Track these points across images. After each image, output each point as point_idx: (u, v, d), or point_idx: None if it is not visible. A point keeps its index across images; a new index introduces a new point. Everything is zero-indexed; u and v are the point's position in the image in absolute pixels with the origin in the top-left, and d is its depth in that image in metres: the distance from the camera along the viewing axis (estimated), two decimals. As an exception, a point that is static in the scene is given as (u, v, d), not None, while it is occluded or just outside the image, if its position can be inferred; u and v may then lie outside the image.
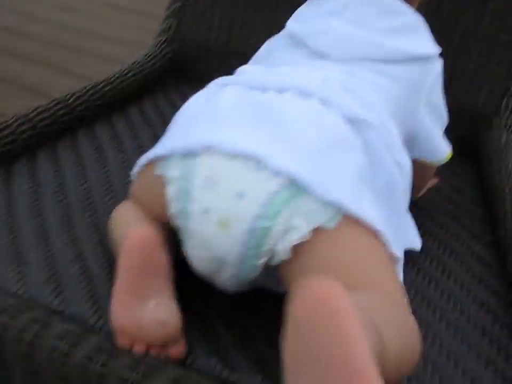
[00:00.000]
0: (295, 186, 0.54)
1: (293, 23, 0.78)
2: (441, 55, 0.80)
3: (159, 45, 1.22)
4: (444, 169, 0.99)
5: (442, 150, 0.81)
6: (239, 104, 0.62)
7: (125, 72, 1.13)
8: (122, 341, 0.54)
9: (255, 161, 0.55)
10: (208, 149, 0.56)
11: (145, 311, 0.54)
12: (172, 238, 0.61)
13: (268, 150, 0.55)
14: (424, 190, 0.90)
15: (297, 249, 0.54)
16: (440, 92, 0.80)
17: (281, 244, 0.54)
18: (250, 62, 0.81)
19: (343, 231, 0.55)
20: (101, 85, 1.05)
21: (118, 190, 0.83)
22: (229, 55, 1.17)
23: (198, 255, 0.58)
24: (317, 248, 0.54)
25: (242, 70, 0.74)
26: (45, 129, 0.94)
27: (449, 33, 1.05)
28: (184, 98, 1.11)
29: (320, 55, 0.71)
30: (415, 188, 0.81)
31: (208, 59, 1.21)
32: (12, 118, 0.89)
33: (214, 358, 0.57)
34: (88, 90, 1.03)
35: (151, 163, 0.60)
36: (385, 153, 0.63)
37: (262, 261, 0.55)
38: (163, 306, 0.54)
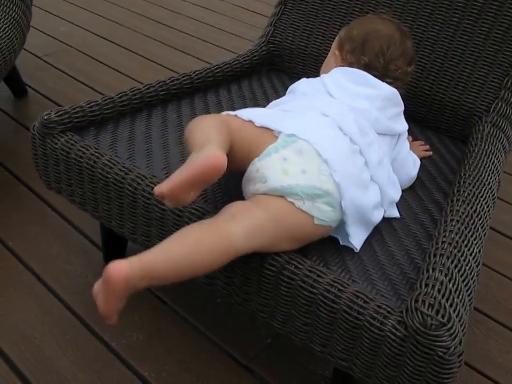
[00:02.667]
0: (326, 191, 0.91)
1: (332, 88, 1.11)
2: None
3: (259, 44, 1.65)
4: (443, 147, 1.39)
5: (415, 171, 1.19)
6: (321, 121, 1.01)
7: (233, 61, 1.56)
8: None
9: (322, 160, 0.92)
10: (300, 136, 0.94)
11: (188, 195, 0.85)
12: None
13: (330, 155, 0.93)
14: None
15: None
16: (407, 147, 1.18)
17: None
18: (299, 94, 1.16)
19: None
20: (214, 67, 1.51)
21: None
22: (307, 56, 1.60)
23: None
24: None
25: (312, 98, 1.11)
26: (174, 91, 1.40)
27: (462, 51, 1.42)
28: (271, 83, 1.57)
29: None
30: None
31: (292, 58, 1.62)
32: (156, 81, 1.37)
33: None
34: (205, 70, 1.48)
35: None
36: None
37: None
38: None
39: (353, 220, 0.96)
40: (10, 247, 1.54)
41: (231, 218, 0.88)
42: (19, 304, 1.37)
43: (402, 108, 1.16)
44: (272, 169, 0.92)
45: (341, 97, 1.09)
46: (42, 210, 1.68)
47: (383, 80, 1.14)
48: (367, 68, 1.16)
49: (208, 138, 0.87)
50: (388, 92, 1.12)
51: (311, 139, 0.94)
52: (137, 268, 0.78)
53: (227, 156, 0.85)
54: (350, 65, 1.18)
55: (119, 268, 0.76)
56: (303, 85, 1.18)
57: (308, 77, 1.20)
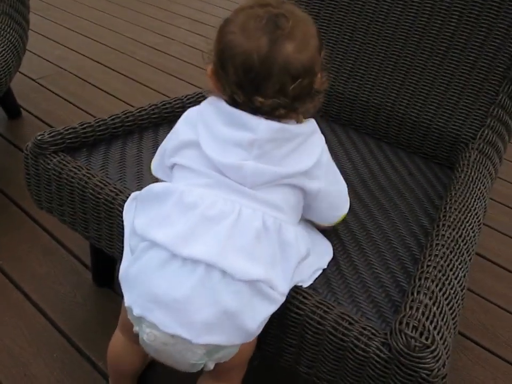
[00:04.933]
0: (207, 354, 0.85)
1: (211, 152, 0.86)
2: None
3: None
4: (430, 172, 1.41)
5: (334, 219, 1.03)
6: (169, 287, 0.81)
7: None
8: None
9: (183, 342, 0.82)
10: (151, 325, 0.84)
11: None
12: None
13: (191, 335, 0.81)
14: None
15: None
16: (334, 184, 0.97)
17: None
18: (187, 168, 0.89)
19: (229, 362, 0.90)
20: (205, 92, 1.54)
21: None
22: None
23: None
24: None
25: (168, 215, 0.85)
26: (166, 114, 1.41)
27: (447, 80, 1.45)
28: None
29: (238, 183, 0.85)
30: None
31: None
32: (148, 105, 1.40)
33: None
34: (196, 95, 1.48)
35: None
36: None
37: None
38: None
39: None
40: (0, 266, 1.54)
41: None
42: (7, 323, 1.37)
43: (300, 138, 0.88)
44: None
45: (210, 153, 0.86)
46: (33, 230, 1.68)
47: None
48: (235, 104, 0.86)
49: None
50: (266, 135, 0.83)
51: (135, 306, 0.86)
52: None
53: None
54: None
55: None
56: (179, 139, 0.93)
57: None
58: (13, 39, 1.79)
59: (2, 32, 1.78)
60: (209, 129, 0.87)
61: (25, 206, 1.76)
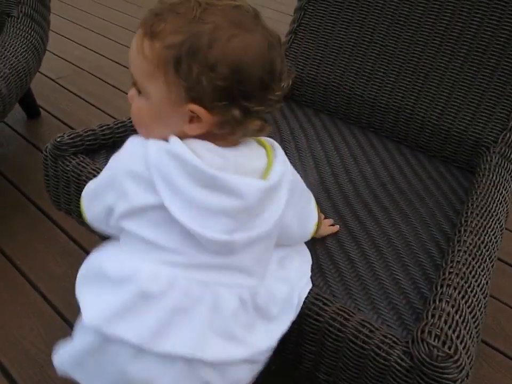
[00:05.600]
0: None
1: (187, 221, 0.70)
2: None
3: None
4: (450, 176, 1.39)
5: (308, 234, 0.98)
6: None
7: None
8: None
9: None
10: None
11: None
12: None
13: None
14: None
15: None
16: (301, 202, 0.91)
17: None
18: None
19: None
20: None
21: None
22: (316, 85, 1.60)
23: None
24: None
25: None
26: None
27: (469, 82, 1.43)
28: (280, 110, 1.56)
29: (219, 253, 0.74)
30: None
31: (302, 86, 1.61)
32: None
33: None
34: None
35: None
36: None
37: None
38: None
39: None
40: (18, 266, 1.55)
41: None
42: (25, 324, 1.38)
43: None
44: None
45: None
46: (51, 231, 1.69)
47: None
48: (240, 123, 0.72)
49: None
50: (255, 198, 0.73)
51: None
52: None
53: None
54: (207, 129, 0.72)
55: None
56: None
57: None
58: (33, 41, 1.80)
59: (24, 33, 1.79)
60: (178, 192, 0.70)
61: (43, 206, 1.77)
